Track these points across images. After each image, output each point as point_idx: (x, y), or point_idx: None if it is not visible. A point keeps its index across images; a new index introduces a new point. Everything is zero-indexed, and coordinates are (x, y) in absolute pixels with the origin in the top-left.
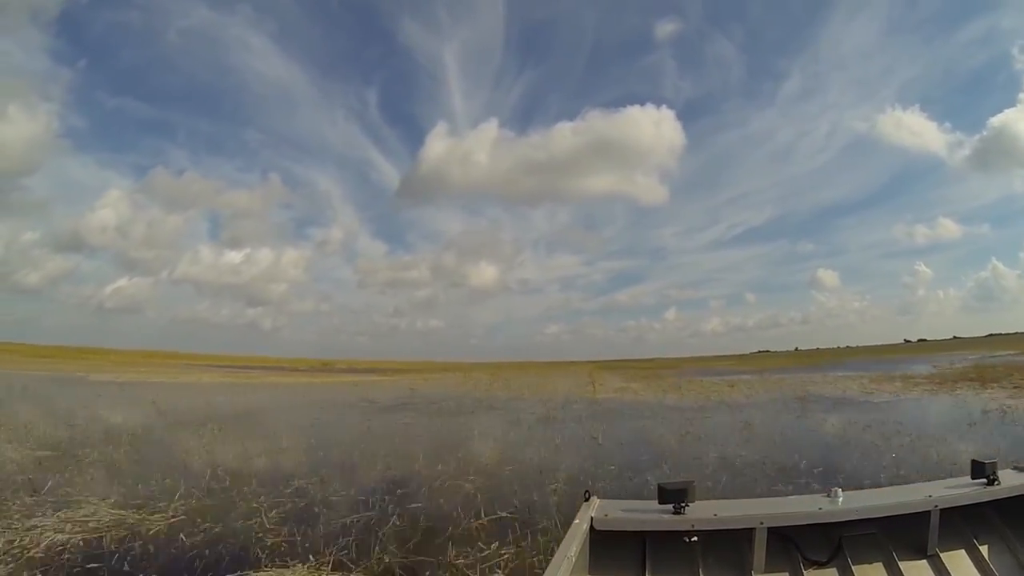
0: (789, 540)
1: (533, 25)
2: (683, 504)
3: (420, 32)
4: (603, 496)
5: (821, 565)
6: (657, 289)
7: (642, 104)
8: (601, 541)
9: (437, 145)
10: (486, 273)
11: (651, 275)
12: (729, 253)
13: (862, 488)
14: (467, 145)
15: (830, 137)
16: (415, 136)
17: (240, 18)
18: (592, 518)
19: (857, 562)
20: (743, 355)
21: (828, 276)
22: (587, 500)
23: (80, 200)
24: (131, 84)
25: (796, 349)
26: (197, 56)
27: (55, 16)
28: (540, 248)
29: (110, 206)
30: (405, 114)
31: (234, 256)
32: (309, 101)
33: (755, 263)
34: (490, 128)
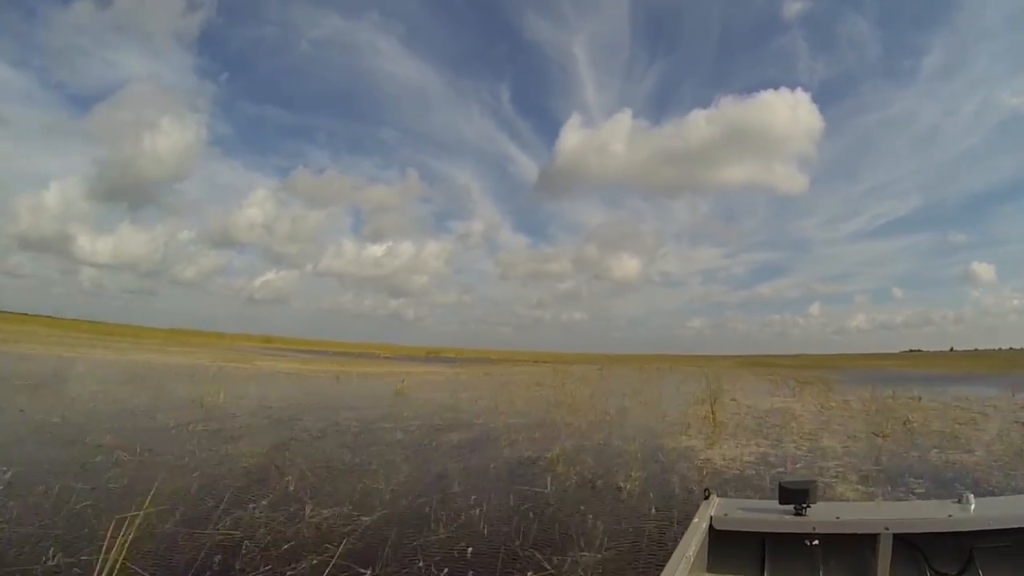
0: (916, 548)
1: (659, 14)
2: (805, 505)
3: (546, 26)
4: (723, 494)
5: None
6: (800, 283)
7: (776, 88)
8: (720, 541)
9: (572, 137)
10: (628, 265)
11: (794, 268)
12: (873, 245)
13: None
14: (602, 136)
15: (980, 116)
16: (550, 129)
17: (368, 24)
18: (712, 517)
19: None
20: (897, 354)
21: (984, 269)
22: (707, 498)
23: (229, 200)
24: (271, 93)
25: (952, 349)
26: (331, 62)
27: (196, 37)
28: (682, 240)
29: (256, 205)
30: (539, 107)
31: (376, 249)
32: (443, 99)
33: (902, 256)
34: (624, 118)
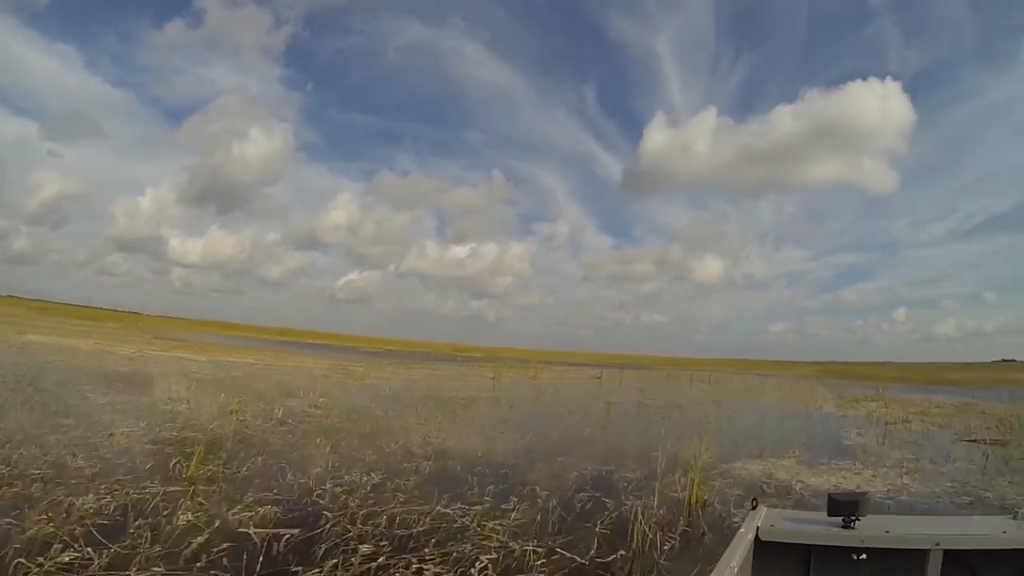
0: (966, 566)
1: (744, 8)
2: (854, 518)
3: (630, 25)
4: (771, 505)
5: None
6: (887, 287)
7: (864, 79)
8: (765, 551)
9: (656, 137)
10: (711, 267)
11: (881, 271)
12: (966, 246)
13: None
14: (686, 135)
15: None
16: (636, 129)
17: (453, 30)
18: (758, 527)
19: None
20: (989, 363)
21: None
22: (754, 508)
23: (316, 204)
24: (358, 100)
25: None
26: (417, 69)
27: (283, 50)
28: (767, 241)
29: (341, 207)
30: (624, 107)
31: (459, 251)
32: (528, 101)
33: (997, 257)
34: (708, 116)
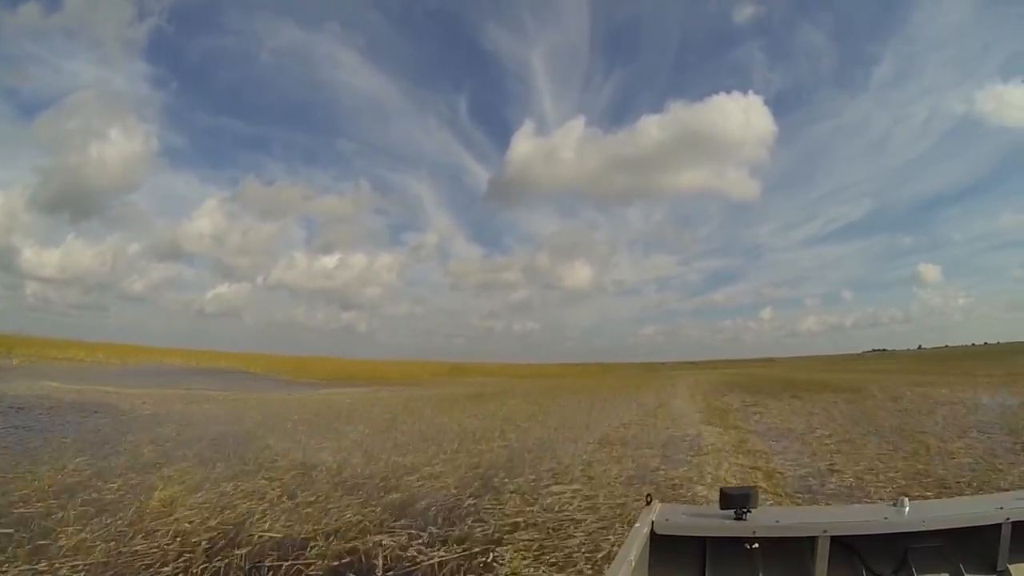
0: (852, 550)
1: (618, 25)
2: (745, 510)
3: (506, 38)
4: (664, 500)
5: None
6: (753, 288)
7: (728, 92)
8: (661, 545)
9: (523, 145)
10: (581, 274)
11: (746, 274)
12: (825, 250)
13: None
14: (553, 143)
15: (928, 123)
16: (506, 139)
17: (328, 35)
18: (653, 522)
19: (923, 575)
20: (858, 355)
21: (930, 271)
22: (648, 504)
23: (180, 213)
24: (227, 104)
25: (920, 348)
26: (290, 74)
27: (145, 45)
28: (636, 248)
29: (207, 216)
30: (496, 118)
31: (328, 261)
32: (401, 110)
33: (852, 260)
34: (576, 125)
